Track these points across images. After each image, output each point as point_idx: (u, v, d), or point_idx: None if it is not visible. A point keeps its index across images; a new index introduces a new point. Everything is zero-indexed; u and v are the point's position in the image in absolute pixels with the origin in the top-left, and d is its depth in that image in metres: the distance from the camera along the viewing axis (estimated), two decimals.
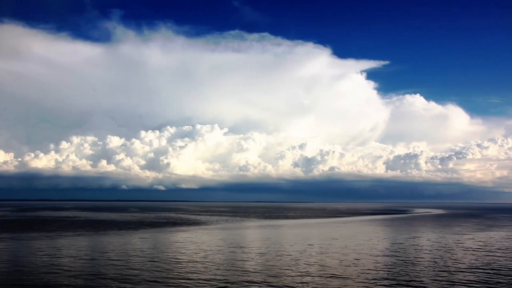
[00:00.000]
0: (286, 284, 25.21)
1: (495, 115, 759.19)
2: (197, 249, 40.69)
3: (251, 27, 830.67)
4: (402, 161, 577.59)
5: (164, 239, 51.95)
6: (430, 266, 31.43)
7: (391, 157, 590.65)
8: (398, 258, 35.55)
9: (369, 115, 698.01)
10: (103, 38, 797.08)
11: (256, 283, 25.59)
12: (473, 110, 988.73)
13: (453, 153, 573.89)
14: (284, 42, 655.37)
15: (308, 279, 26.78)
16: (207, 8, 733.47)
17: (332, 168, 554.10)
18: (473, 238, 53.00)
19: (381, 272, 29.12)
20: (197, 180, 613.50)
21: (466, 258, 35.83)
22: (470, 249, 41.97)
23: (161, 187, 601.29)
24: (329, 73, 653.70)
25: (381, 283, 25.58)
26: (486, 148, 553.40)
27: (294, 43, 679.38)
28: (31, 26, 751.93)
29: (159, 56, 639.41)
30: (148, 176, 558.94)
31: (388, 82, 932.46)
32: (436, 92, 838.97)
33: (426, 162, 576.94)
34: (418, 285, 25.26)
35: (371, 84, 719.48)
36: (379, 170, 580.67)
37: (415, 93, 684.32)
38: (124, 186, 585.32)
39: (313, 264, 32.10)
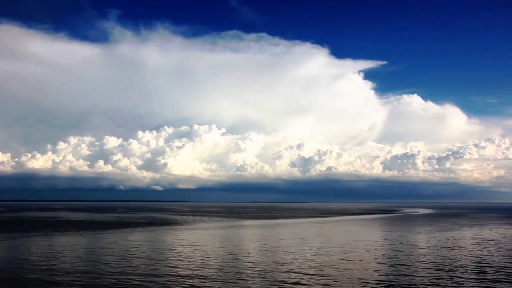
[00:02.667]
0: (209, 277, 25.87)
1: (492, 115, 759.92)
2: (150, 248, 41.37)
3: (249, 27, 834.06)
4: (399, 161, 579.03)
5: (123, 238, 52.47)
6: (352, 263, 32.06)
7: (388, 157, 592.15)
8: (333, 256, 36.16)
9: (366, 115, 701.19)
10: (101, 38, 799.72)
11: (180, 276, 26.24)
12: (470, 110, 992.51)
13: (450, 153, 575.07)
14: (282, 42, 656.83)
15: (231, 275, 27.41)
16: (205, 8, 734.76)
17: (329, 168, 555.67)
18: (431, 237, 53.56)
19: (304, 268, 29.74)
20: (195, 180, 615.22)
21: (400, 256, 36.43)
22: (416, 247, 42.51)
23: (159, 187, 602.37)
24: (326, 73, 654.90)
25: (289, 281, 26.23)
26: (484, 148, 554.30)
27: (292, 43, 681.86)
28: (29, 26, 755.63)
29: (157, 56, 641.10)
30: (146, 176, 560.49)
31: (385, 82, 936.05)
32: (434, 92, 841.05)
33: (423, 162, 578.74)
34: (327, 281, 25.89)
35: (368, 84, 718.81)
36: (377, 170, 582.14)
37: (412, 93, 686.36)
38: (121, 187, 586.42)
39: (253, 262, 32.71)
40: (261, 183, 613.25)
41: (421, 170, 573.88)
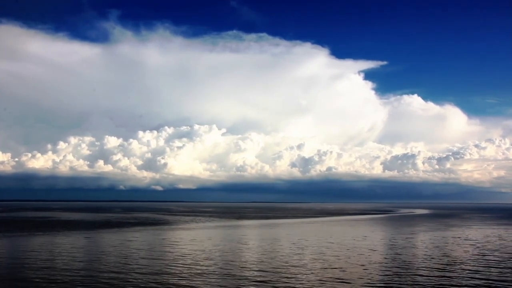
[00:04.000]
0: (176, 274, 26.30)
1: (492, 115, 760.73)
2: (127, 247, 41.84)
3: (249, 27, 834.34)
4: (399, 161, 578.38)
5: (105, 238, 52.95)
6: (322, 262, 32.43)
7: (388, 157, 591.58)
8: (307, 256, 36.60)
9: (367, 116, 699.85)
10: (101, 38, 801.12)
11: (147, 273, 26.65)
12: (470, 110, 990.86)
13: (450, 153, 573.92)
14: (282, 42, 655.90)
15: (198, 272, 27.81)
16: (205, 8, 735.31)
17: (329, 168, 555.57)
18: (413, 237, 53.91)
19: (273, 267, 30.13)
20: (195, 181, 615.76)
21: (373, 256, 36.80)
22: (395, 247, 42.87)
23: (159, 187, 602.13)
24: (327, 73, 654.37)
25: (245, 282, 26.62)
26: (484, 148, 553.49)
27: (292, 43, 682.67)
28: (29, 26, 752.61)
29: (157, 56, 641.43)
30: (146, 177, 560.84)
31: (386, 83, 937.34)
32: (434, 92, 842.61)
33: (423, 162, 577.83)
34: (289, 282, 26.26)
35: (369, 85, 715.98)
36: (377, 170, 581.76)
37: (412, 93, 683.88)
38: (121, 187, 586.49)
39: (225, 261, 33.11)
40: (261, 183, 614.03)
41: (421, 171, 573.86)
